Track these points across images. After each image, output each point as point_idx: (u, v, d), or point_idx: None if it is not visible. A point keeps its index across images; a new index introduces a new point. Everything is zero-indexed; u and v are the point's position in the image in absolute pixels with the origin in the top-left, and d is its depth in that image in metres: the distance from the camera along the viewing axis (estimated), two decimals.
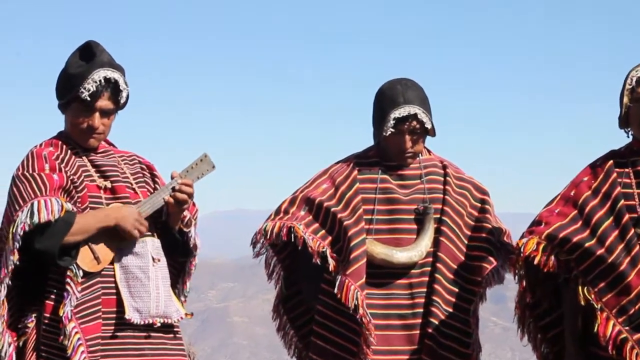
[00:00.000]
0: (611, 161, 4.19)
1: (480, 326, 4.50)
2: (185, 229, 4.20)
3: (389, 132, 4.37)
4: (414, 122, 4.37)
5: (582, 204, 4.13)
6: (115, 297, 3.98)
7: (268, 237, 4.40)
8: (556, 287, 4.20)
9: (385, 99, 4.42)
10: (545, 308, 4.26)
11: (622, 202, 4.08)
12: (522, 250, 4.08)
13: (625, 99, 4.15)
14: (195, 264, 4.29)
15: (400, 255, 4.34)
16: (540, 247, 4.06)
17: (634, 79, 4.14)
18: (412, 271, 4.38)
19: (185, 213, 4.16)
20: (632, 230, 4.03)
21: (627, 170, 4.16)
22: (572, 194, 4.18)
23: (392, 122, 4.35)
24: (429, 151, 4.60)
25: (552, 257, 4.05)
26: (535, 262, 4.05)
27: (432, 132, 4.45)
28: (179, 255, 4.24)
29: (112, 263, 3.99)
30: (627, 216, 4.06)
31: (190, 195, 4.08)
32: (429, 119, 4.39)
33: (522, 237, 4.12)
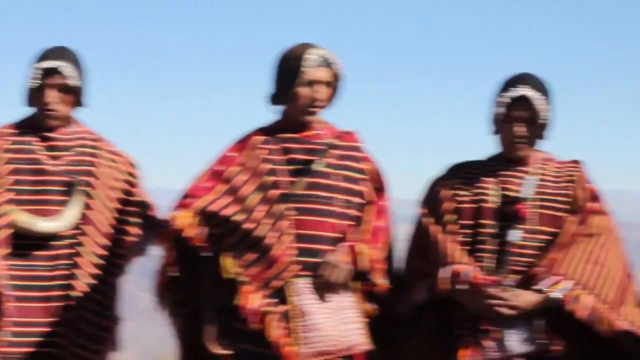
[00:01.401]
0: (259, 137, 4.27)
1: (129, 300, 4.51)
2: None
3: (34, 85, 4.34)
4: (57, 77, 4.33)
5: (230, 179, 4.19)
6: None
7: None
8: (199, 263, 4.22)
9: None
10: (185, 282, 4.24)
11: (269, 177, 4.18)
12: (172, 223, 4.11)
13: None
14: None
15: (43, 225, 4.28)
16: (191, 221, 4.11)
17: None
18: (57, 243, 4.33)
19: None
20: (279, 206, 4.14)
21: (274, 146, 4.24)
22: (220, 168, 4.23)
23: (39, 73, 4.32)
24: (82, 124, 4.55)
25: (202, 230, 4.12)
26: (185, 235, 4.10)
27: (78, 95, 4.41)
28: None
29: None
30: (274, 191, 4.16)
31: None
32: (76, 76, 4.35)
33: (172, 210, 4.16)
